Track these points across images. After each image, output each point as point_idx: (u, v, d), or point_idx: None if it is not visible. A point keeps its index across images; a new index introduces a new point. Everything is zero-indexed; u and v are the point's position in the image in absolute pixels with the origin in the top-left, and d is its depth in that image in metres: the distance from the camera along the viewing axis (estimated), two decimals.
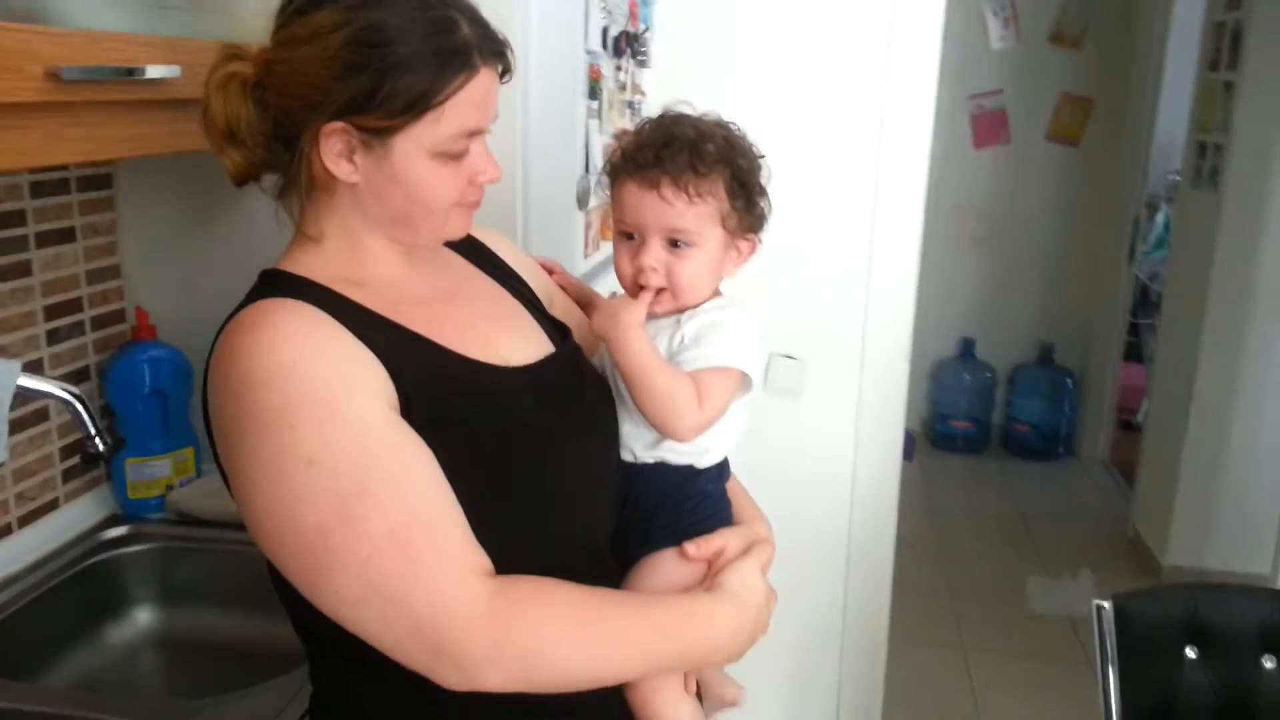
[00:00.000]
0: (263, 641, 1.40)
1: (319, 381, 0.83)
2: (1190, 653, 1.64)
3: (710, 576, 1.01)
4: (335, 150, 0.90)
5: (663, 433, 1.03)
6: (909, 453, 2.46)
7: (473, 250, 1.12)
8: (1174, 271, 3.86)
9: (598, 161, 1.66)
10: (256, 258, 1.51)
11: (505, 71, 0.96)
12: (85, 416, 1.14)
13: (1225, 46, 3.39)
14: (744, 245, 1.08)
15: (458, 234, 1.01)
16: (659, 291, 1.04)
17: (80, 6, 1.02)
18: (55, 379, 1.28)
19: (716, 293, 1.09)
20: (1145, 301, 4.83)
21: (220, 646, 1.44)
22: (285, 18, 0.90)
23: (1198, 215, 3.58)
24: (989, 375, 4.88)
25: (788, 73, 2.13)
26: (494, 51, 0.93)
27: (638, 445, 1.06)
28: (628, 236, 1.05)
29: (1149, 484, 3.89)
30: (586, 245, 1.64)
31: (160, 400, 1.51)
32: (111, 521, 1.50)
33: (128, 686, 1.41)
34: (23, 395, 1.11)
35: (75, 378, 1.48)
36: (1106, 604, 1.66)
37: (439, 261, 1.05)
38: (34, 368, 1.40)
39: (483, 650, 0.82)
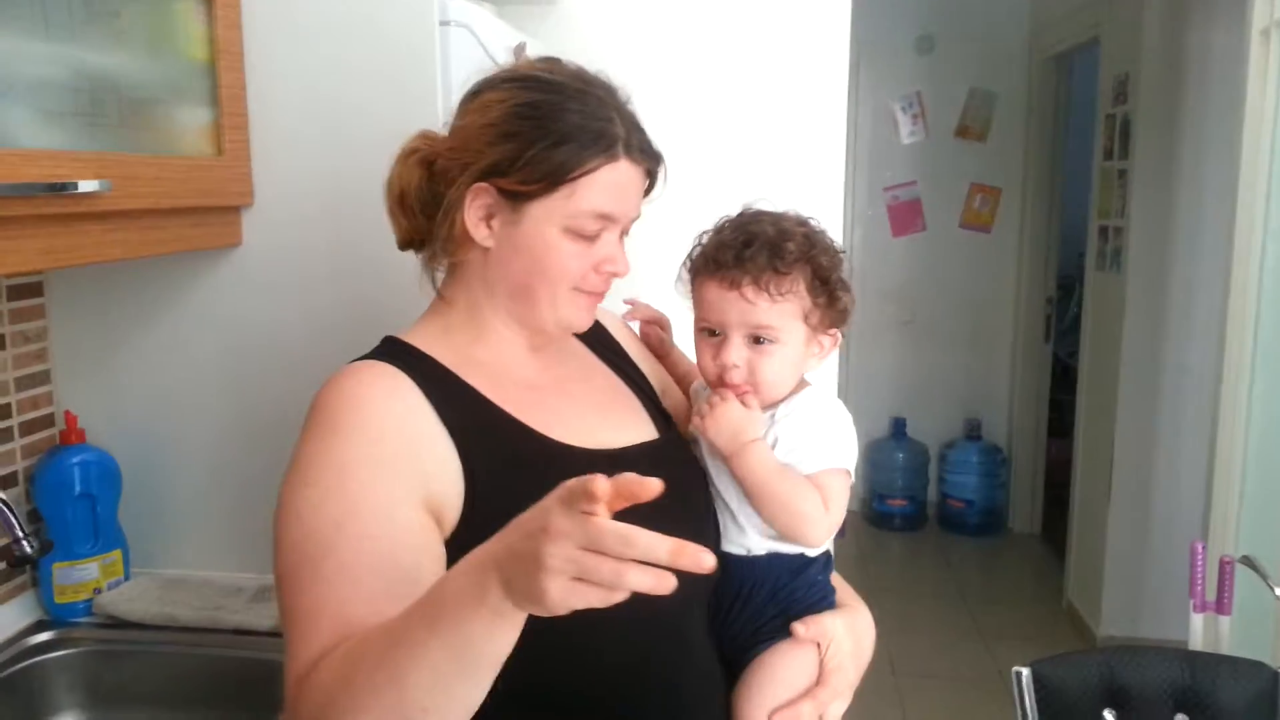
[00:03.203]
0: None
1: (353, 455, 0.88)
2: (1109, 715, 1.70)
3: (824, 669, 1.03)
4: (478, 214, 0.97)
5: (795, 541, 1.04)
6: (840, 530, 2.50)
7: (593, 334, 1.15)
8: (1087, 348, 3.98)
9: None
10: (182, 362, 1.55)
11: (651, 183, 1.02)
12: (12, 519, 1.15)
13: (1116, 136, 3.60)
14: (826, 340, 1.10)
15: (576, 323, 1.04)
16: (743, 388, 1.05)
17: (15, 125, 1.06)
18: None
19: (803, 382, 1.11)
20: (1066, 378, 4.99)
21: None
22: (464, 99, 1.00)
23: (1105, 295, 3.75)
24: (922, 453, 4.96)
25: (717, 169, 2.23)
26: (641, 150, 0.99)
27: (750, 540, 1.06)
28: (710, 333, 1.07)
29: (1079, 556, 3.96)
30: None
31: (89, 503, 1.51)
32: (38, 627, 1.48)
33: None
34: None
35: (3, 483, 1.48)
36: (1025, 670, 1.72)
37: (562, 349, 1.10)
38: None
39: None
